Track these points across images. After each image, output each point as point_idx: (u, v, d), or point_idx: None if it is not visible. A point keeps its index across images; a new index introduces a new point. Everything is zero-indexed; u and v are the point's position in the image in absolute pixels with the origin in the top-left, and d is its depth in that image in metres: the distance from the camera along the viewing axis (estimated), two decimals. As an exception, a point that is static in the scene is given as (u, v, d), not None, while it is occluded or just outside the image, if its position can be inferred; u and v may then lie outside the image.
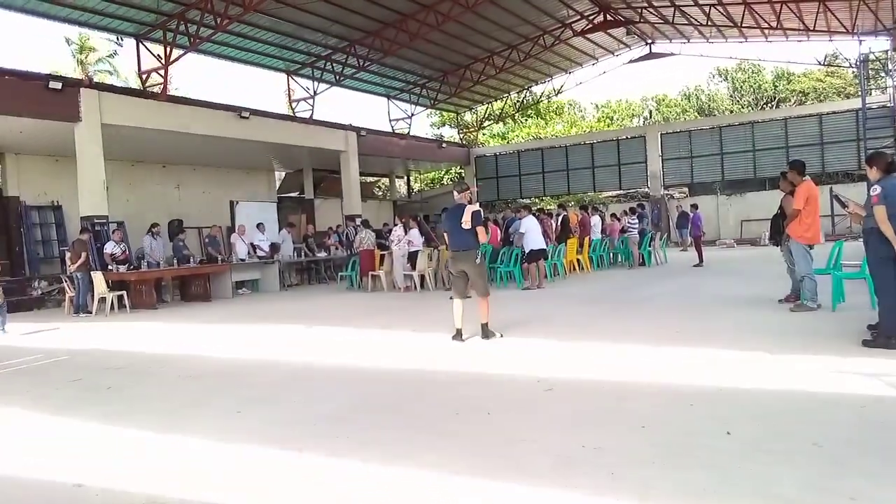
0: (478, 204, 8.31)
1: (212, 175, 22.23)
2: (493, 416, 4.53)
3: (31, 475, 3.90)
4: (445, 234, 7.93)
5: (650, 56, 28.26)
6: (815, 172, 22.72)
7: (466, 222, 7.39)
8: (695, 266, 16.00)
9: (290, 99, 23.70)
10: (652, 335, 7.20)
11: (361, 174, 23.72)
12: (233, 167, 22.89)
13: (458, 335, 7.46)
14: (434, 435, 4.21)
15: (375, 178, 32.95)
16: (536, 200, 30.97)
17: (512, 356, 6.64)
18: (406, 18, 20.59)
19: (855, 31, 20.90)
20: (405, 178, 34.28)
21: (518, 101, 31.97)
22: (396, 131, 27.62)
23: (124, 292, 13.19)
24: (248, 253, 16.37)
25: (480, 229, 7.41)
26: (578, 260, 16.18)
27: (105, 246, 13.91)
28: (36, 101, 13.52)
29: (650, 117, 43.38)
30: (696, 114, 40.59)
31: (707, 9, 21.86)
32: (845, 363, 5.38)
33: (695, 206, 18.57)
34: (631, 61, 28.80)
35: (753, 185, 26.18)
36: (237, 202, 18.92)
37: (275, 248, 17.06)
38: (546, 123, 40.80)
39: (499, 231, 15.40)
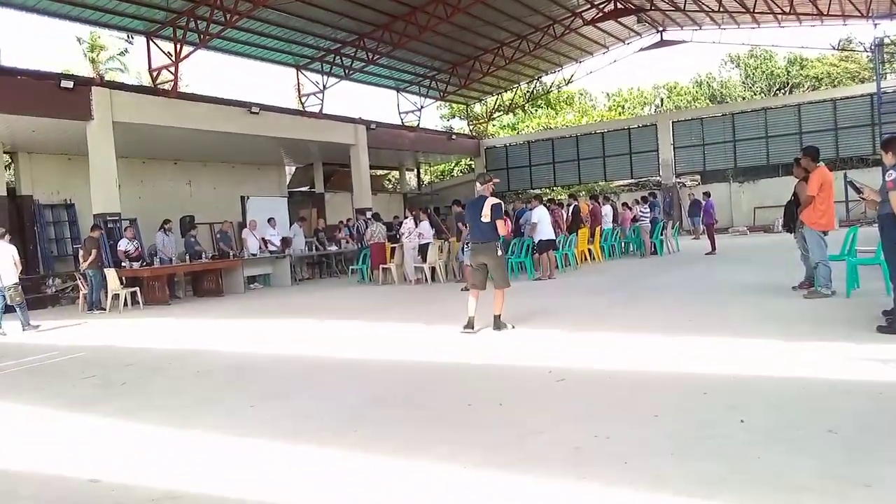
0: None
1: (223, 171, 22.31)
2: (506, 408, 4.52)
3: (47, 471, 3.94)
4: (467, 226, 7.89)
5: (661, 44, 28.04)
6: (829, 158, 22.46)
7: (486, 215, 7.38)
8: (707, 254, 15.90)
9: (299, 93, 23.73)
10: (664, 324, 7.17)
11: (371, 167, 23.73)
12: (243, 163, 22.96)
13: (470, 325, 7.44)
14: (447, 427, 4.21)
15: (385, 172, 32.93)
16: (547, 191, 30.84)
17: (524, 347, 6.62)
18: (415, 11, 20.52)
19: (870, 14, 20.64)
20: (415, 170, 34.25)
21: (528, 91, 31.83)
22: (406, 124, 27.59)
23: (137, 289, 13.29)
24: (260, 248, 16.43)
25: (500, 222, 7.40)
26: (590, 250, 16.12)
27: (119, 243, 13.99)
28: (48, 100, 13.60)
29: (661, 105, 43.08)
30: (707, 101, 40.25)
31: (719, -6, 21.65)
32: (860, 350, 5.33)
33: (707, 194, 18.44)
34: (642, 49, 28.61)
35: (766, 172, 25.92)
36: (248, 197, 18.99)
37: (286, 242, 17.11)
38: (556, 113, 40.60)
39: (510, 222, 15.35)
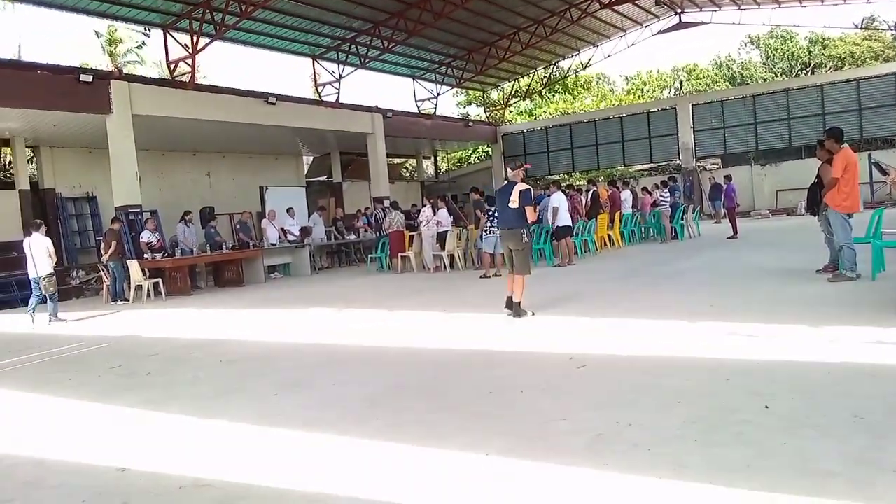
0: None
1: (241, 162, 22.45)
2: (527, 395, 4.52)
3: (75, 459, 4.01)
4: (484, 214, 7.89)
5: (680, 26, 27.61)
6: (854, 139, 22.09)
7: (514, 201, 7.38)
8: (729, 238, 15.75)
9: (315, 83, 23.69)
10: (686, 309, 7.11)
11: (388, 156, 23.72)
12: (261, 153, 23.08)
13: (509, 303, 7.55)
14: (468, 415, 4.22)
15: (403, 160, 32.90)
16: (565, 176, 30.65)
17: (544, 334, 6.61)
18: (430, -3, 20.37)
19: (893, -9, 20.18)
20: (432, 158, 34.16)
21: (545, 76, 31.55)
22: (422, 111, 27.50)
23: (160, 279, 13.44)
24: (279, 237, 16.53)
25: (529, 208, 7.39)
26: (609, 235, 16.03)
27: (141, 235, 14.16)
28: (68, 94, 13.74)
29: (681, 88, 42.54)
30: (727, 83, 39.67)
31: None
32: (886, 333, 5.25)
33: (728, 178, 18.23)
34: (660, 32, 28.19)
35: (789, 154, 25.55)
36: (267, 188, 19.08)
37: (305, 231, 17.19)
38: (574, 98, 40.24)
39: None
